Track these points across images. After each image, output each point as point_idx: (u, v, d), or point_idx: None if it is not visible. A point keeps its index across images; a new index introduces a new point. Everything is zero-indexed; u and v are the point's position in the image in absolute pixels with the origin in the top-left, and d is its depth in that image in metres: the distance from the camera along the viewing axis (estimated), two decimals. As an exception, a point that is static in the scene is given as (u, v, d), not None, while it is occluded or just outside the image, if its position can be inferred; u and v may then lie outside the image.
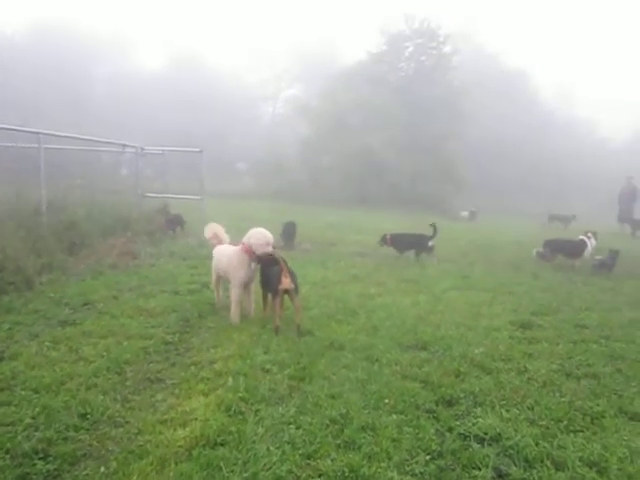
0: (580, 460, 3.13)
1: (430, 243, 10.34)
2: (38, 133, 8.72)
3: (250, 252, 5.70)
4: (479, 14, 57.96)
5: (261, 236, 5.68)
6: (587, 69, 62.42)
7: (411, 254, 10.72)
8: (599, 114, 43.74)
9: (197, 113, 38.06)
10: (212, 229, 6.48)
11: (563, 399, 3.97)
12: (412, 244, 10.65)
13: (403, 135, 28.85)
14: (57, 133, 9.80)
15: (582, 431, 3.51)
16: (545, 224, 20.96)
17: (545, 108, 41.04)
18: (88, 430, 3.37)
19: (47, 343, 4.80)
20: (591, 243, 10.64)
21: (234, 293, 5.76)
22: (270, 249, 5.67)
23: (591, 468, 3.07)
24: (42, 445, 3.13)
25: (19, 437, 3.20)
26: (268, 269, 5.69)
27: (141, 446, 3.20)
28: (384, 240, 10.78)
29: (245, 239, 5.78)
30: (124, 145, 11.97)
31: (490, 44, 41.76)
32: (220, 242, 6.41)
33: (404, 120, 29.02)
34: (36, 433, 3.26)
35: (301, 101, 35.29)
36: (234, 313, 5.73)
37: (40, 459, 3.02)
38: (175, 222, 12.10)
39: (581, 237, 10.76)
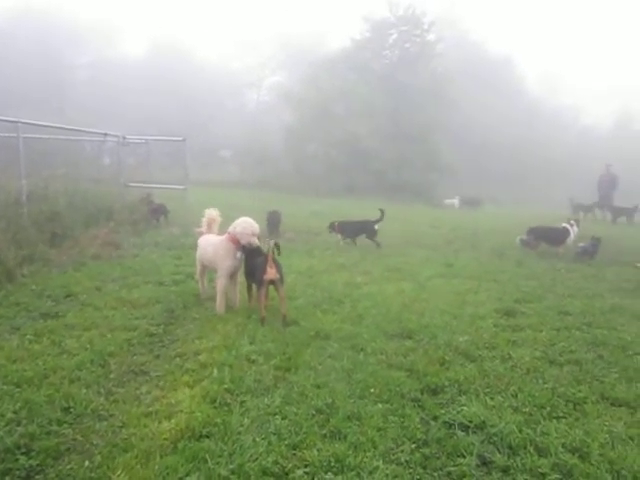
0: (563, 446, 3.17)
1: (376, 227, 10.63)
2: (17, 122, 8.54)
3: (236, 241, 5.67)
4: (463, 1, 57.78)
5: (247, 225, 5.65)
6: (571, 57, 62.72)
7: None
8: (584, 102, 44.10)
9: (181, 100, 37.62)
10: (210, 215, 6.41)
11: (546, 386, 4.01)
12: (359, 230, 10.93)
13: (388, 123, 28.80)
14: (37, 122, 9.63)
15: (565, 417, 3.56)
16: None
17: (530, 96, 41.25)
18: (72, 424, 3.33)
19: (29, 336, 4.73)
20: (573, 230, 10.74)
21: (220, 283, 5.72)
22: (255, 239, 5.65)
23: (573, 454, 3.11)
24: (24, 440, 3.09)
25: (1, 432, 3.15)
26: (253, 259, 5.66)
27: (126, 439, 3.17)
28: (332, 227, 11.02)
29: (231, 228, 5.75)
30: (105, 134, 11.79)
31: (475, 31, 41.80)
32: (209, 231, 6.36)
33: (389, 108, 28.95)
34: (18, 428, 3.21)
35: (285, 88, 34.99)
36: (219, 304, 5.70)
37: (23, 454, 2.98)
38: (159, 212, 11.99)
39: (564, 225, 10.86)
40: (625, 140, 38.13)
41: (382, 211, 10.58)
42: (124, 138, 12.22)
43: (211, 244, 5.96)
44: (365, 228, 10.77)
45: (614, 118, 44.21)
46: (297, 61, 38.27)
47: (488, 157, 34.87)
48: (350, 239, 10.99)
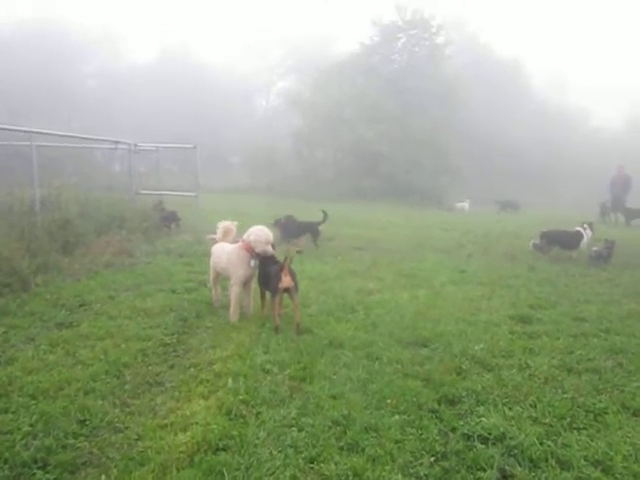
0: (585, 459, 3.11)
1: (320, 228, 10.80)
2: (30, 132, 8.61)
3: (250, 249, 5.66)
4: (471, 3, 57.70)
5: (262, 233, 5.64)
6: (580, 57, 62.32)
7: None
8: (593, 102, 43.69)
9: (190, 107, 37.81)
10: (225, 226, 6.37)
11: (565, 395, 3.95)
12: (303, 230, 11.02)
13: (397, 127, 28.73)
14: (49, 131, 9.71)
15: (586, 429, 3.50)
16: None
17: (539, 97, 40.98)
18: (87, 437, 3.32)
19: (44, 346, 4.74)
20: (587, 234, 10.63)
21: (234, 291, 5.71)
22: (270, 247, 5.64)
23: (596, 467, 3.05)
24: (41, 454, 3.08)
25: (17, 446, 3.15)
26: (267, 267, 5.64)
27: (142, 452, 3.16)
28: (277, 224, 10.97)
29: (245, 236, 5.74)
30: (117, 142, 11.85)
31: (483, 33, 41.68)
32: (224, 240, 6.34)
33: (398, 112, 28.90)
34: (34, 441, 3.21)
35: (293, 93, 35.05)
36: (233, 312, 5.68)
37: (39, 468, 2.97)
38: (170, 219, 12.04)
39: (577, 228, 10.75)
40: (636, 140, 37.75)
41: (325, 213, 10.84)
42: (135, 146, 12.27)
43: (225, 252, 5.95)
44: (310, 229, 10.90)
45: (624, 118, 43.78)
46: (305, 66, 38.33)
47: (497, 159, 34.65)
48: (290, 238, 10.92)
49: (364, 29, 35.27)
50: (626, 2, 50.22)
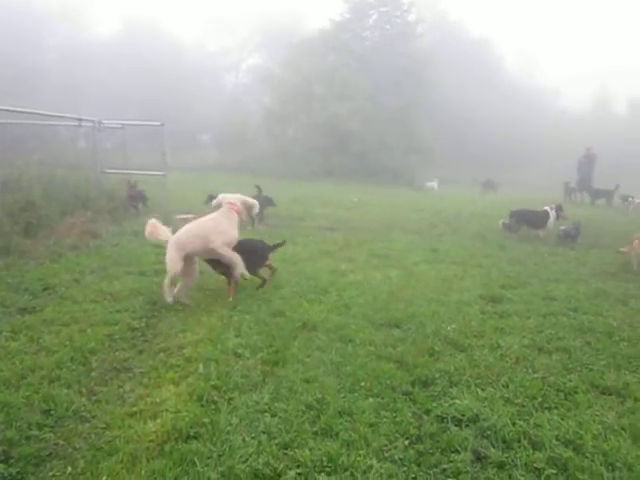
0: (556, 439, 3.15)
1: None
2: (-13, 108, 8.22)
3: (240, 213, 5.78)
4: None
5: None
6: (550, 38, 62.81)
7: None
8: (563, 83, 44.21)
9: (158, 82, 36.74)
10: (152, 226, 5.89)
11: (536, 375, 3.99)
12: None
13: (368, 105, 28.56)
14: (9, 108, 9.23)
15: (557, 408, 3.54)
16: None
17: (509, 76, 41.26)
18: (52, 427, 3.21)
19: (5, 333, 4.56)
20: (553, 214, 10.79)
21: (230, 254, 5.68)
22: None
23: (567, 447, 3.08)
24: (3, 447, 2.97)
25: (-23, 439, 3.02)
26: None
27: (110, 442, 3.07)
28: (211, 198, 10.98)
29: (233, 199, 5.86)
30: (80, 119, 11.42)
31: (454, 12, 41.55)
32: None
33: (369, 89, 28.72)
34: (-4, 433, 3.08)
35: (264, 70, 34.46)
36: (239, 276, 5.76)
37: (1, 462, 2.86)
38: (137, 198, 11.71)
39: (545, 208, 10.89)
40: (604, 122, 38.49)
41: (259, 187, 11.25)
42: (100, 123, 11.85)
43: (209, 220, 5.83)
44: None
45: (593, 99, 44.48)
46: (275, 42, 37.63)
47: (466, 138, 34.89)
48: None
49: (335, 5, 34.60)
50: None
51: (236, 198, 5.99)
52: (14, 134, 14.02)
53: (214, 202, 6.02)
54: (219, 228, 5.67)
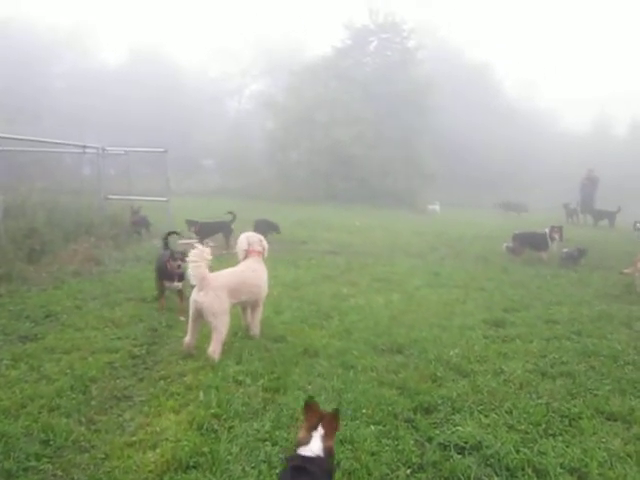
0: (561, 466, 3.10)
1: (232, 226, 11.26)
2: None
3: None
4: (441, 8, 58.28)
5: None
6: (549, 63, 63.44)
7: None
8: (562, 107, 44.49)
9: (162, 108, 37.21)
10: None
11: (540, 401, 3.95)
12: (217, 229, 11.51)
13: (370, 130, 28.79)
14: (14, 136, 9.36)
15: (561, 434, 3.49)
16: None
17: (508, 101, 41.59)
18: (51, 458, 3.17)
19: (6, 361, 4.54)
20: (556, 236, 10.77)
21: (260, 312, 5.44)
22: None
23: (572, 474, 3.04)
24: (1, 479, 2.93)
25: (-25, 470, 2.99)
26: None
27: (109, 473, 3.03)
28: (192, 225, 11.30)
29: (247, 246, 5.46)
30: (84, 146, 11.55)
31: (454, 38, 42.08)
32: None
33: (371, 115, 28.98)
34: (-6, 464, 3.05)
35: (266, 96, 34.85)
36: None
37: (-2, 494, 2.83)
38: (140, 224, 11.79)
39: (547, 230, 10.89)
40: (604, 144, 38.63)
41: (232, 213, 11.29)
42: (104, 150, 11.98)
43: (254, 269, 5.34)
44: (224, 227, 11.28)
45: (593, 123, 44.73)
46: (278, 69, 38.15)
47: (467, 162, 35.01)
48: (207, 238, 11.17)
49: (336, 32, 35.10)
50: (596, 12, 51.44)
51: (258, 241, 5.55)
52: (19, 161, 14.17)
53: (239, 246, 5.53)
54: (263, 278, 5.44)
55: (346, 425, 3.53)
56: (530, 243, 10.85)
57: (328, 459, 2.38)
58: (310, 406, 2.50)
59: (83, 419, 3.63)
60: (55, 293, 6.84)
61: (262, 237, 5.64)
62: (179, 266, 6.01)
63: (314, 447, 2.35)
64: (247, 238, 5.50)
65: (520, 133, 37.28)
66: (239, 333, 5.38)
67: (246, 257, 5.40)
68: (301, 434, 2.46)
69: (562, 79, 60.44)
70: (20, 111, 29.22)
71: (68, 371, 4.35)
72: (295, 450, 2.40)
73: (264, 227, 11.22)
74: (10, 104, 29.56)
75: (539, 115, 41.89)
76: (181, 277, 6.12)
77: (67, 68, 39.76)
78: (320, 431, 2.40)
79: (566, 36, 62.99)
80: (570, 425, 3.63)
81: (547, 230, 10.79)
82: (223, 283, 4.89)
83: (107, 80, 37.22)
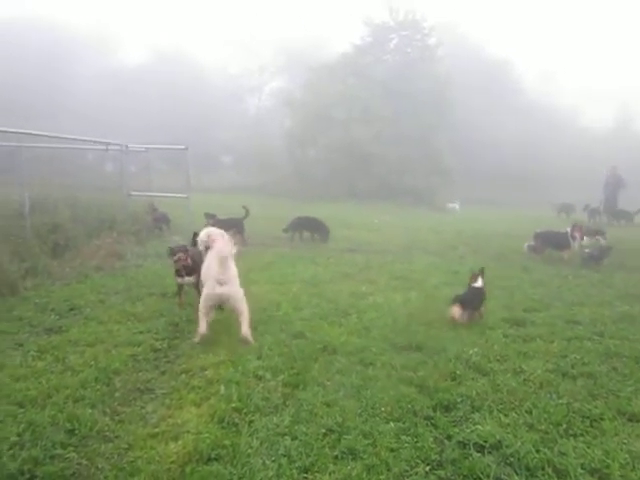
0: (582, 467, 3.09)
1: (244, 223, 11.51)
2: (19, 132, 8.49)
3: None
4: (461, 4, 57.75)
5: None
6: (570, 57, 62.39)
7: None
8: (581, 103, 43.76)
9: (182, 106, 37.54)
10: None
11: (561, 401, 3.92)
12: (231, 226, 11.19)
13: (390, 127, 28.69)
14: (39, 133, 9.52)
15: (582, 435, 3.47)
16: None
17: (529, 97, 41.06)
18: (76, 447, 3.25)
19: (32, 353, 4.66)
20: (577, 236, 10.63)
21: None
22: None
23: (593, 475, 3.03)
24: (28, 465, 3.02)
25: (4, 457, 3.09)
26: None
27: (132, 462, 3.10)
28: (209, 217, 11.40)
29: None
30: (108, 143, 11.71)
31: (474, 34, 41.65)
32: None
33: (390, 112, 28.86)
34: (22, 452, 3.14)
35: (286, 93, 34.89)
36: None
37: (26, 480, 2.91)
38: (161, 220, 11.96)
39: (568, 229, 10.75)
40: (625, 140, 37.91)
41: (246, 208, 11.47)
42: (126, 147, 12.13)
43: None
44: (237, 224, 11.25)
45: (614, 119, 43.92)
46: (297, 66, 38.17)
47: (487, 159, 34.67)
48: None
49: (356, 30, 34.97)
50: (616, 5, 50.46)
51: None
52: (43, 157, 14.41)
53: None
54: None
55: (365, 421, 3.56)
56: (551, 242, 10.73)
57: None
58: None
59: (107, 410, 3.71)
60: (79, 287, 6.98)
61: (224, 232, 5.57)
62: (178, 259, 6.08)
63: None
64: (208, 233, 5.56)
65: (539, 129, 36.77)
66: (259, 328, 5.42)
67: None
68: None
69: (582, 72, 59.29)
70: (42, 109, 29.74)
71: (92, 363, 4.45)
72: None
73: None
74: (31, 102, 30.11)
75: (559, 111, 41.22)
76: (190, 271, 6.17)
77: (89, 68, 40.29)
78: None
79: (586, 29, 61.91)
80: (591, 426, 3.59)
81: (568, 229, 10.66)
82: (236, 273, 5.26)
83: (129, 79, 37.70)
